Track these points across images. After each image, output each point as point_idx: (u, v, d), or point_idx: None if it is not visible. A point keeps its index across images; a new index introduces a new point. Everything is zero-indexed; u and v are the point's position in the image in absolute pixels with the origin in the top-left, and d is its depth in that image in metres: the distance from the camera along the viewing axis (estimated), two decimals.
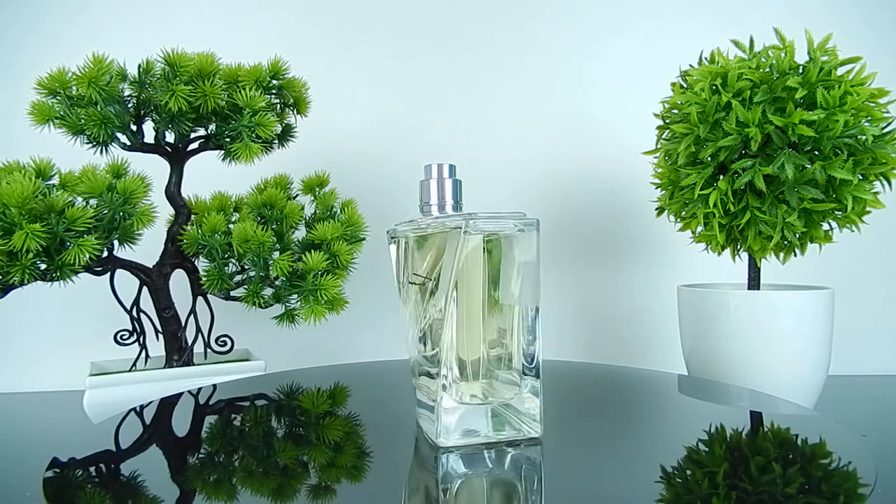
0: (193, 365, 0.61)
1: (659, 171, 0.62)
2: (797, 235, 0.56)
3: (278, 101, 0.63)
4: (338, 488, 0.31)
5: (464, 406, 0.36)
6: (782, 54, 0.53)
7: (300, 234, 0.64)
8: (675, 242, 0.81)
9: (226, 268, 0.59)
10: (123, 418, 0.43)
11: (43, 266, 0.52)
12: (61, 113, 0.55)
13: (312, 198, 0.67)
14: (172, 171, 0.61)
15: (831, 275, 0.75)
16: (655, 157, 0.63)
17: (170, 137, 0.60)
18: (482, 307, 0.36)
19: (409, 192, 0.84)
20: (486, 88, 0.86)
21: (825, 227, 0.56)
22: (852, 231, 0.55)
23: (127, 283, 0.60)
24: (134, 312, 0.62)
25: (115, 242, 0.57)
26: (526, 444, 0.35)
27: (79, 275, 0.53)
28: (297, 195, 0.68)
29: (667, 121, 0.61)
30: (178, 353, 0.61)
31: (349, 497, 0.30)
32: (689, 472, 0.31)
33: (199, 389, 0.52)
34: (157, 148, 0.60)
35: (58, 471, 0.33)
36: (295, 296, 0.58)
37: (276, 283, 0.59)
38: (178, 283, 0.62)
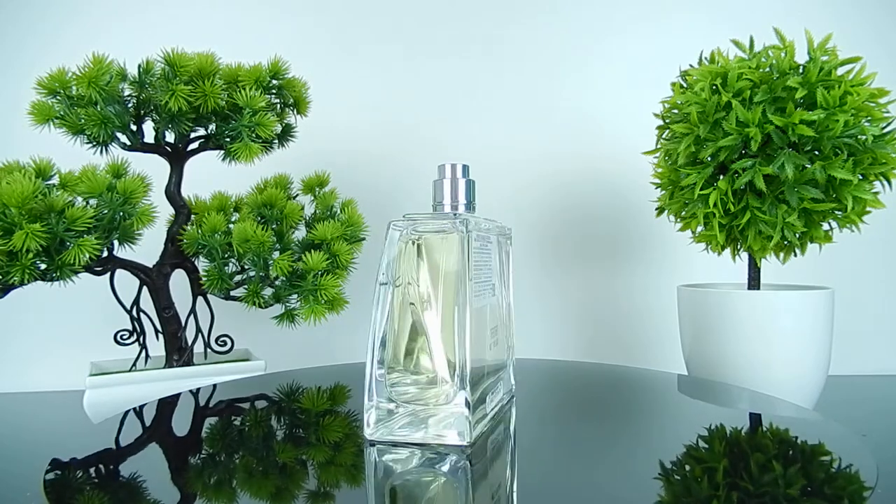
0: (193, 365, 0.61)
1: (659, 171, 0.62)
2: (797, 235, 0.56)
3: (278, 101, 0.63)
4: (337, 488, 0.31)
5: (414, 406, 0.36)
6: (782, 54, 0.53)
7: (300, 234, 0.64)
8: (675, 242, 0.81)
9: (226, 268, 0.59)
10: (123, 418, 0.43)
11: (43, 266, 0.52)
12: (61, 113, 0.55)
13: (312, 198, 0.67)
14: (172, 171, 0.61)
15: (831, 275, 0.75)
16: (655, 157, 0.63)
17: (170, 137, 0.60)
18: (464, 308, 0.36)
19: (409, 192, 0.84)
20: (487, 88, 0.86)
21: (825, 227, 0.56)
22: (852, 231, 0.55)
23: (127, 283, 0.60)
24: (134, 312, 0.62)
25: (115, 242, 0.57)
26: (458, 449, 0.35)
27: (79, 275, 0.53)
28: (297, 195, 0.68)
29: (667, 121, 0.61)
30: (178, 353, 0.61)
31: (348, 497, 0.30)
32: (688, 469, 0.31)
33: (199, 389, 0.52)
34: (157, 148, 0.60)
35: (58, 471, 0.33)
36: (295, 296, 0.58)
37: (276, 283, 0.59)
38: (178, 283, 0.62)
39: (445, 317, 0.35)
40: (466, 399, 0.34)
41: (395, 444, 0.35)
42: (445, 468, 0.32)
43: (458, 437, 0.35)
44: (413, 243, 0.36)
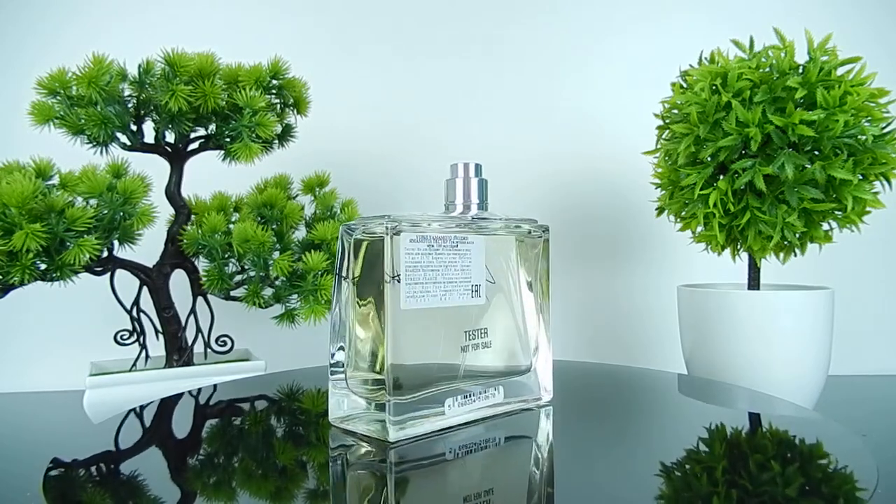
0: (193, 365, 0.61)
1: (659, 171, 0.62)
2: (797, 235, 0.56)
3: (278, 101, 0.63)
4: (336, 488, 0.31)
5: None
6: (782, 54, 0.53)
7: (300, 234, 0.64)
8: (675, 242, 0.81)
9: (226, 268, 0.59)
10: (124, 419, 0.43)
11: (43, 266, 0.52)
12: (61, 113, 0.55)
13: (312, 198, 0.67)
14: (172, 171, 0.61)
15: (831, 275, 0.75)
16: (655, 157, 0.63)
17: (170, 137, 0.60)
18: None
19: (409, 191, 0.84)
20: (487, 88, 0.86)
21: (825, 227, 0.56)
22: (852, 231, 0.55)
23: (127, 283, 0.60)
24: (134, 312, 0.62)
25: (115, 242, 0.57)
26: (382, 445, 0.35)
27: (79, 275, 0.53)
28: (297, 195, 0.68)
29: (667, 121, 0.61)
30: (178, 353, 0.61)
31: (348, 496, 0.30)
32: (688, 468, 0.31)
33: (199, 390, 0.52)
34: (157, 148, 0.60)
35: (58, 471, 0.33)
36: (295, 296, 0.58)
37: (276, 283, 0.59)
38: (178, 283, 0.62)
39: (377, 317, 0.36)
40: (385, 401, 0.35)
41: (346, 432, 0.37)
42: (353, 459, 0.34)
43: (378, 434, 0.36)
44: (356, 245, 0.37)
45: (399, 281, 0.35)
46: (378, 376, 0.35)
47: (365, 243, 0.36)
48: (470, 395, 0.39)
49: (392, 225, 0.35)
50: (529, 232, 0.43)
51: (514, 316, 0.42)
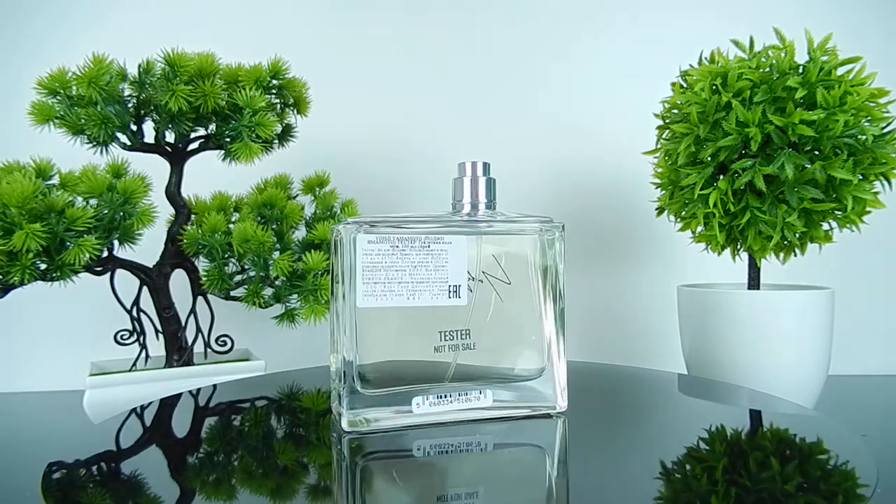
0: (193, 365, 0.61)
1: (659, 171, 0.62)
2: (797, 235, 0.56)
3: (278, 101, 0.63)
4: (336, 488, 0.31)
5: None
6: (782, 54, 0.53)
7: (300, 234, 0.64)
8: (675, 242, 0.81)
9: (226, 268, 0.59)
10: (124, 419, 0.43)
11: (43, 266, 0.52)
12: (61, 113, 0.55)
13: (312, 198, 0.67)
14: (172, 171, 0.61)
15: (831, 275, 0.75)
16: (655, 157, 0.63)
17: (170, 137, 0.60)
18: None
19: (409, 191, 0.84)
20: (487, 89, 0.86)
21: (825, 227, 0.56)
22: (852, 231, 0.55)
23: (127, 283, 0.60)
24: (134, 312, 0.62)
25: (115, 242, 0.57)
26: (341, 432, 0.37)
27: (79, 275, 0.53)
28: (297, 195, 0.68)
29: (667, 121, 0.61)
30: (178, 353, 0.61)
31: (348, 496, 0.30)
32: (688, 468, 0.31)
33: (199, 390, 0.52)
34: (157, 148, 0.60)
35: (57, 471, 0.33)
36: (295, 296, 0.58)
37: (276, 283, 0.59)
38: (178, 283, 0.62)
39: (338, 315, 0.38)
40: (337, 391, 0.37)
41: (334, 413, 0.40)
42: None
43: (339, 421, 0.37)
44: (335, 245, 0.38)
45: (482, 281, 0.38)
46: (342, 370, 0.37)
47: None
48: (446, 396, 0.38)
49: (347, 228, 0.36)
50: (541, 231, 0.41)
51: (523, 317, 0.41)
